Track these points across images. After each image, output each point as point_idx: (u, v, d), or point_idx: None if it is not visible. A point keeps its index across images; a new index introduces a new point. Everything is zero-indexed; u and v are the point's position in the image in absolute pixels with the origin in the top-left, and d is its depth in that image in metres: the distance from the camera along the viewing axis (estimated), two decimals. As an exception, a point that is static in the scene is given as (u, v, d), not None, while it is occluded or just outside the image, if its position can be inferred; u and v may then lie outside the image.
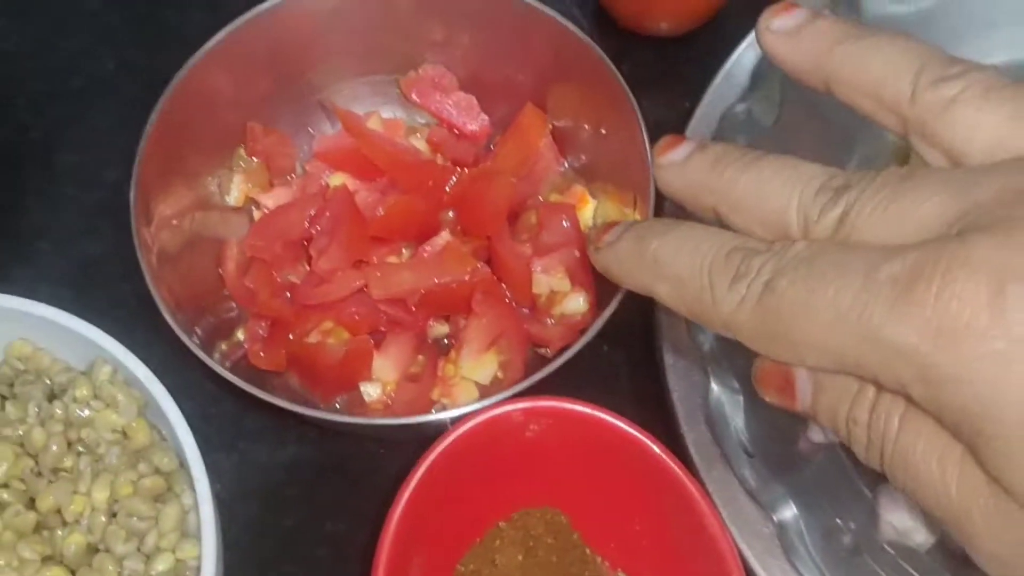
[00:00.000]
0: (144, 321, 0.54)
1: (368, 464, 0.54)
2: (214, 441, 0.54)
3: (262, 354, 0.51)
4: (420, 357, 0.52)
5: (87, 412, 0.46)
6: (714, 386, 0.49)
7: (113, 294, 0.56)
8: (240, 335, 0.52)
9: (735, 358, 0.50)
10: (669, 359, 0.49)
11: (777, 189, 0.37)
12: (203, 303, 0.52)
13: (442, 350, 0.53)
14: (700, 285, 0.35)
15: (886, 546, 0.49)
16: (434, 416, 0.46)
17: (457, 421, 0.46)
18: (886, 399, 0.32)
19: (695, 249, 0.36)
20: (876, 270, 0.31)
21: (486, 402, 0.45)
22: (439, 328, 0.53)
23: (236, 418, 0.55)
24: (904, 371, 0.30)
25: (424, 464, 0.46)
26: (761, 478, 0.48)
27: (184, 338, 0.46)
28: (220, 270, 0.53)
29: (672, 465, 0.46)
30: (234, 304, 0.53)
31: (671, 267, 0.37)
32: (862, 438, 0.33)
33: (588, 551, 0.50)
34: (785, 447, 0.51)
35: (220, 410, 0.55)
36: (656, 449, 0.46)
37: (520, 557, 0.49)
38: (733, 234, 0.37)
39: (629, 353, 0.56)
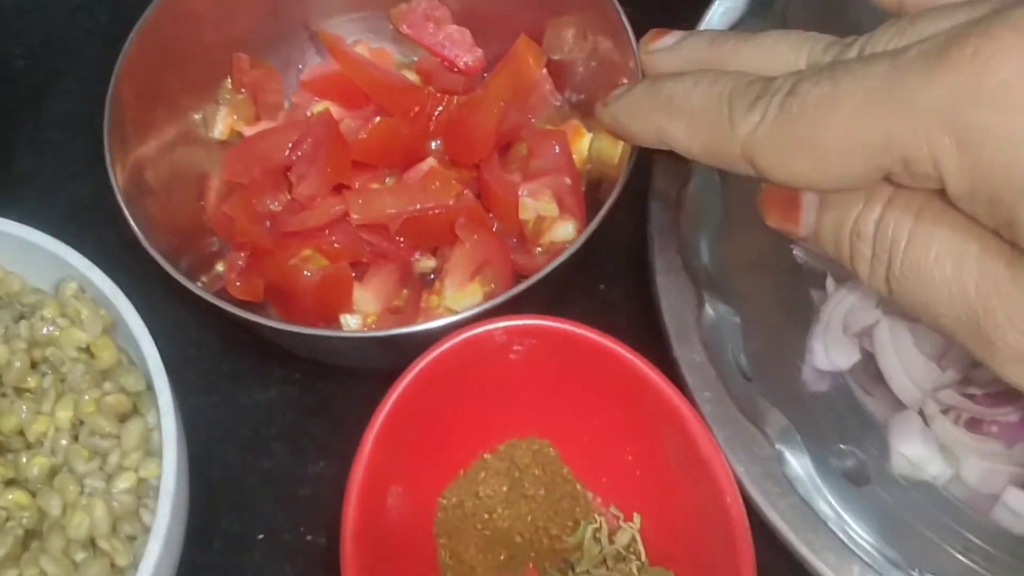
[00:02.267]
0: (128, 266, 0.53)
1: (352, 405, 0.51)
2: (195, 384, 0.52)
3: (239, 283, 0.49)
4: (404, 291, 0.50)
5: (52, 330, 0.44)
6: (709, 308, 0.46)
7: (98, 240, 0.55)
8: (220, 268, 0.51)
9: (732, 280, 0.48)
10: (662, 280, 0.47)
11: (784, 51, 0.37)
12: (185, 237, 0.50)
13: (428, 285, 0.51)
14: (717, 113, 0.34)
15: (900, 479, 0.46)
16: (407, 329, 0.43)
17: (434, 336, 0.43)
18: (895, 209, 0.31)
19: (713, 83, 0.35)
20: (903, 53, 0.30)
21: (466, 314, 0.43)
22: (425, 262, 0.51)
23: (216, 360, 0.53)
24: (939, 140, 0.28)
25: (400, 385, 0.44)
26: (760, 403, 0.45)
27: (160, 260, 0.45)
28: (202, 203, 0.52)
29: (662, 384, 0.43)
30: (215, 239, 0.52)
31: (687, 102, 0.36)
32: (866, 253, 0.32)
33: (579, 486, 0.47)
34: (787, 375, 0.48)
35: (201, 353, 0.53)
36: (645, 368, 0.44)
37: (505, 488, 0.46)
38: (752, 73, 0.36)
39: (625, 290, 0.54)
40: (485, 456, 0.47)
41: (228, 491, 0.50)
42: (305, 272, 0.48)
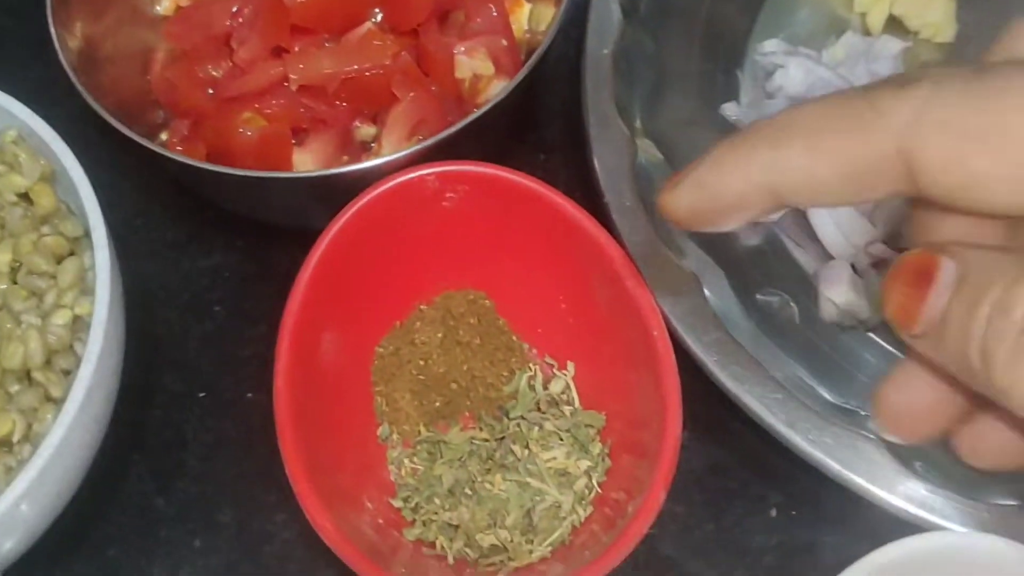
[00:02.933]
0: (74, 140, 0.53)
1: (294, 271, 0.51)
2: (139, 251, 0.53)
3: (180, 148, 0.49)
4: (344, 157, 0.51)
5: (-11, 176, 0.45)
6: (641, 156, 0.47)
7: (52, 118, 0.56)
8: (164, 137, 0.51)
9: (665, 136, 0.49)
10: (595, 131, 0.47)
11: None
12: (131, 110, 0.50)
13: (368, 151, 0.52)
14: (852, 109, 0.27)
15: (829, 325, 0.47)
16: (339, 169, 0.44)
17: (367, 180, 0.44)
18: None
19: (828, 98, 0.28)
20: None
21: (399, 154, 0.44)
22: (366, 130, 0.52)
23: (161, 229, 0.53)
24: None
25: (333, 229, 0.44)
26: (688, 245, 0.46)
27: (108, 117, 0.45)
28: (148, 77, 0.52)
29: (590, 226, 0.44)
30: (160, 112, 0.52)
31: (800, 119, 0.28)
32: (1008, 333, 0.24)
33: (514, 338, 0.48)
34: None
35: (146, 222, 0.54)
36: (574, 211, 0.44)
37: (440, 335, 0.47)
38: None
39: (565, 158, 0.54)
40: (421, 307, 0.48)
41: (170, 351, 0.50)
42: (243, 130, 0.48)
